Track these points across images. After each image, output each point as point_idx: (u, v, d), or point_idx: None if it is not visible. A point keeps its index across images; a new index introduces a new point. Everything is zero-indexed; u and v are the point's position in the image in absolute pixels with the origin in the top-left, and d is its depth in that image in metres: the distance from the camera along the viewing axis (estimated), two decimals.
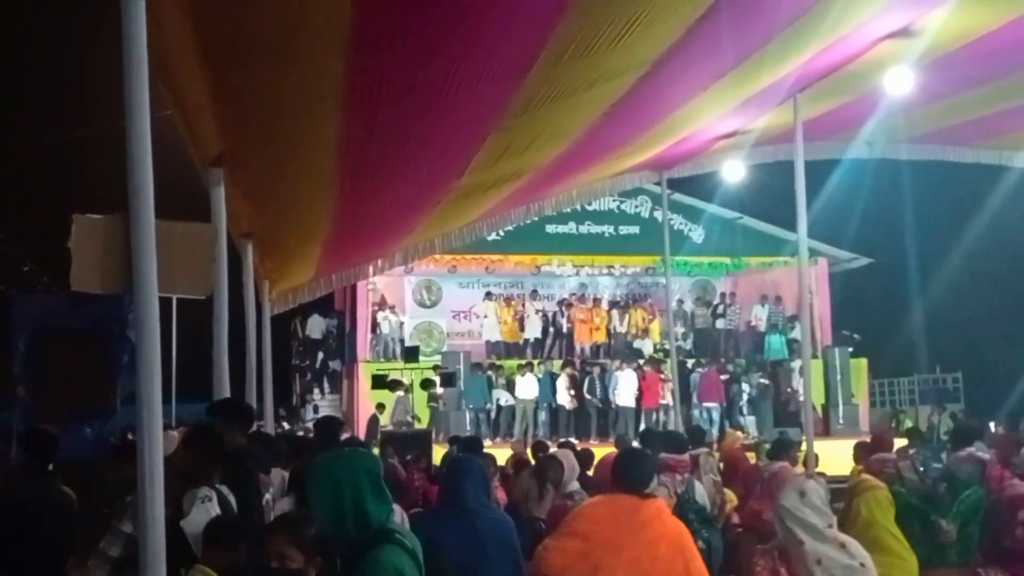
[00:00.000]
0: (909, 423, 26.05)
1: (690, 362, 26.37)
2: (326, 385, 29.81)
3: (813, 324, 26.25)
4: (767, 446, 13.05)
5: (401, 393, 23.20)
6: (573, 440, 17.92)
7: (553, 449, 11.71)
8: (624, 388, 25.02)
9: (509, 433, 24.65)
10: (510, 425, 25.09)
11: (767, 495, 9.72)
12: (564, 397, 25.07)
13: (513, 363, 26.32)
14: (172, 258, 4.37)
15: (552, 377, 25.33)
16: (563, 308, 28.76)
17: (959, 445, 10.34)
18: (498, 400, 25.20)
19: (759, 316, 28.78)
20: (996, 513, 4.20)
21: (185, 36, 5.04)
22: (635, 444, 13.28)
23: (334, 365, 29.69)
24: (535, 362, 26.20)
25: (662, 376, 24.30)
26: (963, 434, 11.14)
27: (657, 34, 7.44)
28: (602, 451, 9.80)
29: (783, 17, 8.23)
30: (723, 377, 26.07)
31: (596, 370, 25.63)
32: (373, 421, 23.41)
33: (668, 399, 22.15)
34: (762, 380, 26.28)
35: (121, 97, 3.94)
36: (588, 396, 25.32)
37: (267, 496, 6.43)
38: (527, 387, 24.99)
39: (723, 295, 30.51)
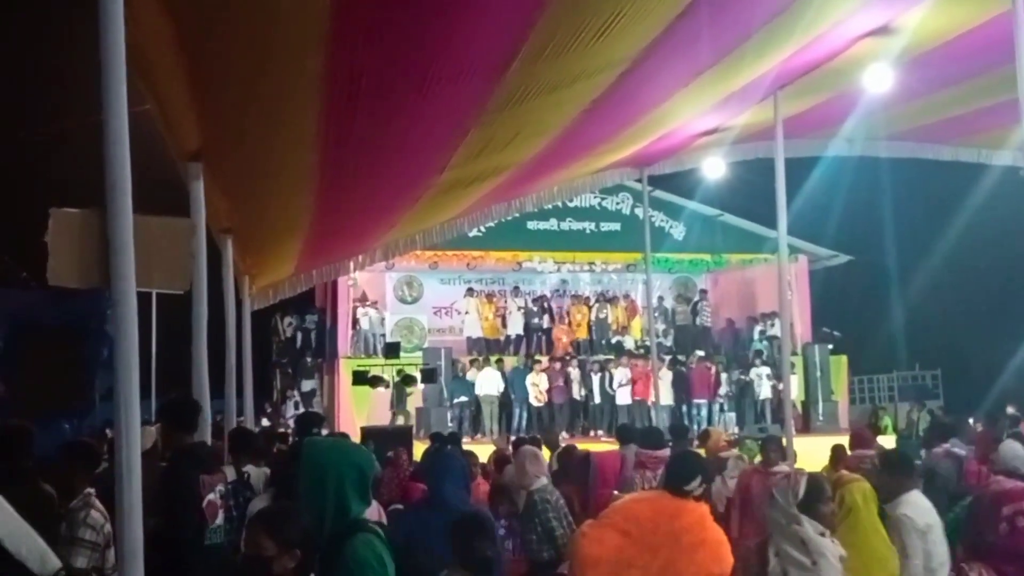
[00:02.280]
0: (888, 420, 26.18)
1: (667, 357, 26.47)
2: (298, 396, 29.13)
3: (793, 321, 26.37)
4: (747, 442, 13.11)
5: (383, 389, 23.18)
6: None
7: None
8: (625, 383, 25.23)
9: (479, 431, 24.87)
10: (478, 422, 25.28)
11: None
12: (533, 394, 25.09)
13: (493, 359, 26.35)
14: (150, 253, 4.36)
15: (525, 374, 25.40)
16: (544, 304, 28.77)
17: (935, 441, 10.39)
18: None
19: (754, 338, 28.70)
20: (979, 509, 4.24)
21: (163, 31, 5.03)
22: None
23: (310, 384, 28.84)
24: (492, 358, 26.23)
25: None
26: (939, 431, 11.22)
27: (637, 31, 7.46)
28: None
29: (762, 14, 8.26)
30: (712, 371, 26.20)
31: (595, 366, 25.73)
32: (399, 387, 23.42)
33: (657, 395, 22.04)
34: (742, 376, 26.38)
35: (99, 92, 3.92)
36: (611, 391, 25.39)
37: (211, 496, 6.41)
38: (488, 383, 25.08)
39: (703, 292, 30.55)
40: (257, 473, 8.38)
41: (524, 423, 24.90)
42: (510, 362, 26.28)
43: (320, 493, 4.12)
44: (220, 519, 6.45)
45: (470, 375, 25.18)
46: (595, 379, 25.40)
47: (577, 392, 25.54)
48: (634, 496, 5.89)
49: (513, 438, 16.93)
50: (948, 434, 11.23)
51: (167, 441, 6.70)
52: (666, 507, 5.48)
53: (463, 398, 24.74)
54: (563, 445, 13.01)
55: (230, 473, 8.20)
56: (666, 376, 24.95)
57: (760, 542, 5.89)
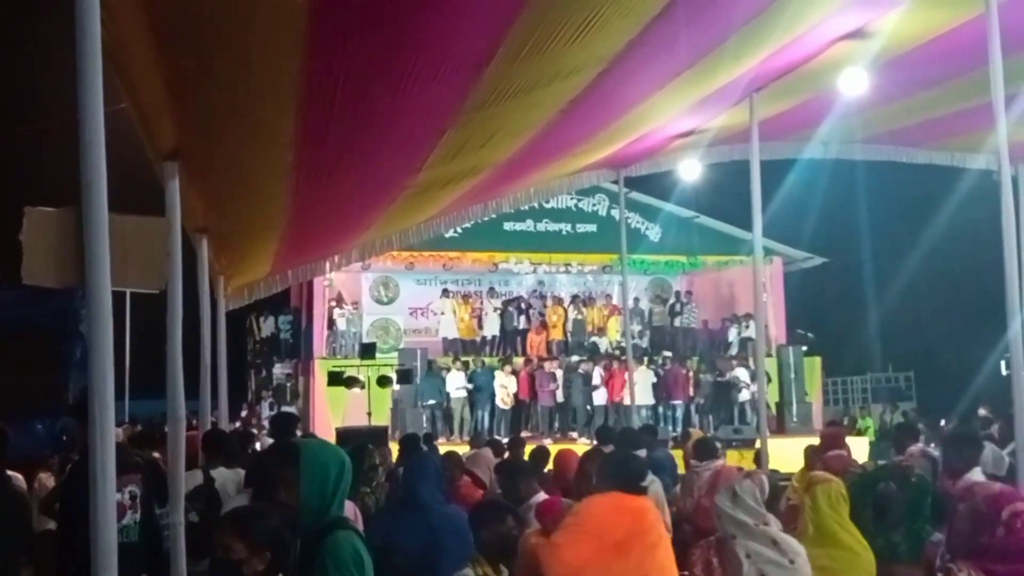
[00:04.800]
0: (870, 422, 26.29)
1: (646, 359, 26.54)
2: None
3: (767, 323, 26.47)
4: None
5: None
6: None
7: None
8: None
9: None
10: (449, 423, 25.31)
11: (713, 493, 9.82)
12: (500, 395, 25.11)
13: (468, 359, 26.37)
14: (125, 252, 4.34)
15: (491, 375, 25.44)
16: (521, 305, 28.80)
17: (907, 441, 10.45)
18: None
19: (731, 341, 28.80)
20: (973, 512, 4.26)
21: (139, 28, 5.00)
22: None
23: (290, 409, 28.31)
24: (465, 359, 26.29)
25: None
26: (909, 431, 11.30)
27: (614, 32, 7.47)
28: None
29: (739, 17, 8.29)
30: (688, 373, 26.27)
31: (582, 367, 25.74)
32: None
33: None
34: (719, 379, 26.46)
35: (75, 90, 3.90)
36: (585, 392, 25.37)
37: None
38: (455, 384, 25.10)
39: (679, 293, 30.63)
40: (225, 476, 8.32)
41: (487, 425, 24.99)
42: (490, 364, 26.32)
43: (318, 494, 4.21)
44: (128, 519, 6.50)
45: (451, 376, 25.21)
46: (580, 381, 25.41)
47: (563, 394, 25.57)
48: (592, 499, 5.74)
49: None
50: (916, 435, 11.35)
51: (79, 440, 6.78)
52: (628, 507, 5.41)
53: (431, 400, 24.72)
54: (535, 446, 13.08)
55: (199, 477, 8.17)
56: (644, 377, 25.02)
57: (712, 541, 5.85)
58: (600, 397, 25.15)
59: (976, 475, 7.16)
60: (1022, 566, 4.18)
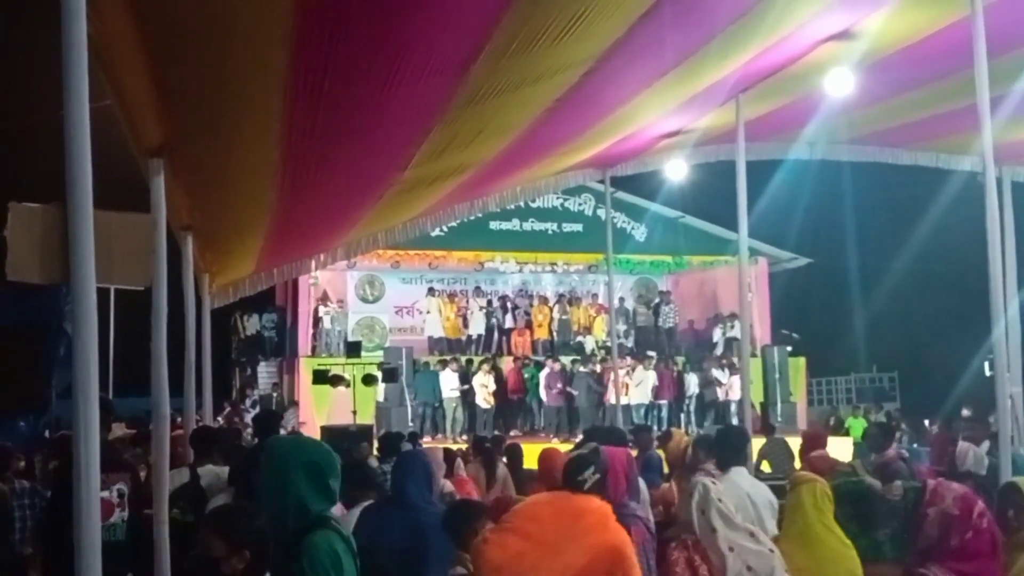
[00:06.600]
0: (862, 422, 26.32)
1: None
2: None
3: (752, 323, 26.52)
4: None
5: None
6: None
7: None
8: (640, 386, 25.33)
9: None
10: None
11: None
12: (481, 395, 25.14)
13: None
14: (111, 248, 4.34)
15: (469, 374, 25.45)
16: (507, 304, 28.80)
17: (885, 443, 10.47)
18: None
19: (715, 341, 28.84)
20: (945, 515, 4.28)
21: (125, 24, 4.98)
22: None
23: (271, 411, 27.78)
24: (461, 358, 26.28)
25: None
26: (885, 430, 11.33)
27: (600, 31, 7.48)
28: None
29: (724, 16, 8.30)
30: (673, 373, 26.30)
31: (591, 367, 25.74)
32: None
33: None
34: (704, 378, 26.50)
35: (60, 86, 3.89)
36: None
37: (102, 494, 6.54)
38: (448, 383, 25.10)
39: (664, 293, 30.67)
40: (212, 473, 8.27)
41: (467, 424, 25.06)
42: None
43: (282, 492, 4.17)
44: (116, 517, 6.51)
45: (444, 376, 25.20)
46: (586, 381, 25.40)
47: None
48: (535, 497, 5.66)
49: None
50: (893, 435, 11.37)
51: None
52: (568, 507, 5.27)
53: (423, 398, 24.70)
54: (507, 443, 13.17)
55: (185, 474, 8.13)
56: (647, 378, 25.12)
57: (687, 541, 5.84)
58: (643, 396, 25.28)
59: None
60: (986, 563, 4.24)
